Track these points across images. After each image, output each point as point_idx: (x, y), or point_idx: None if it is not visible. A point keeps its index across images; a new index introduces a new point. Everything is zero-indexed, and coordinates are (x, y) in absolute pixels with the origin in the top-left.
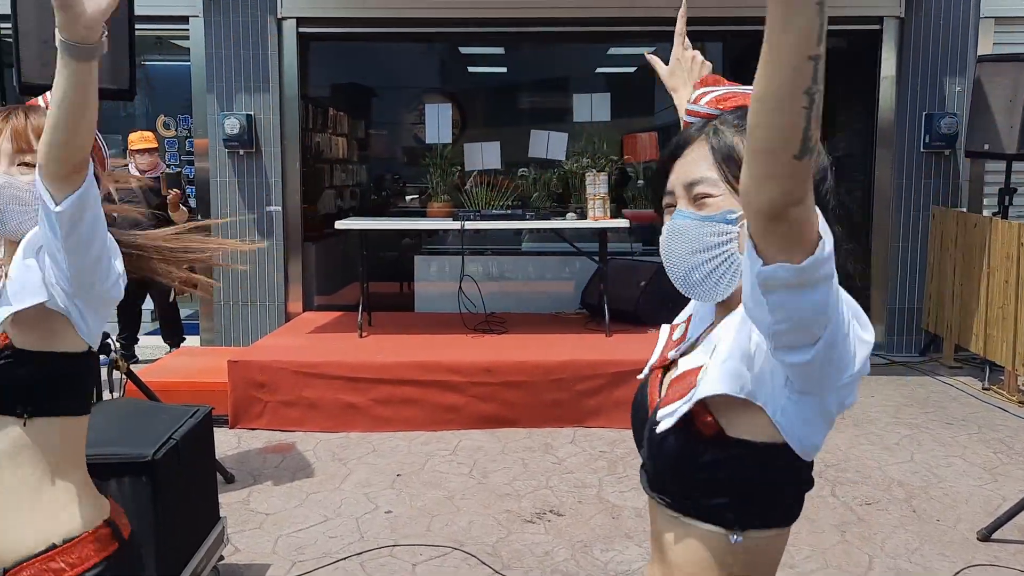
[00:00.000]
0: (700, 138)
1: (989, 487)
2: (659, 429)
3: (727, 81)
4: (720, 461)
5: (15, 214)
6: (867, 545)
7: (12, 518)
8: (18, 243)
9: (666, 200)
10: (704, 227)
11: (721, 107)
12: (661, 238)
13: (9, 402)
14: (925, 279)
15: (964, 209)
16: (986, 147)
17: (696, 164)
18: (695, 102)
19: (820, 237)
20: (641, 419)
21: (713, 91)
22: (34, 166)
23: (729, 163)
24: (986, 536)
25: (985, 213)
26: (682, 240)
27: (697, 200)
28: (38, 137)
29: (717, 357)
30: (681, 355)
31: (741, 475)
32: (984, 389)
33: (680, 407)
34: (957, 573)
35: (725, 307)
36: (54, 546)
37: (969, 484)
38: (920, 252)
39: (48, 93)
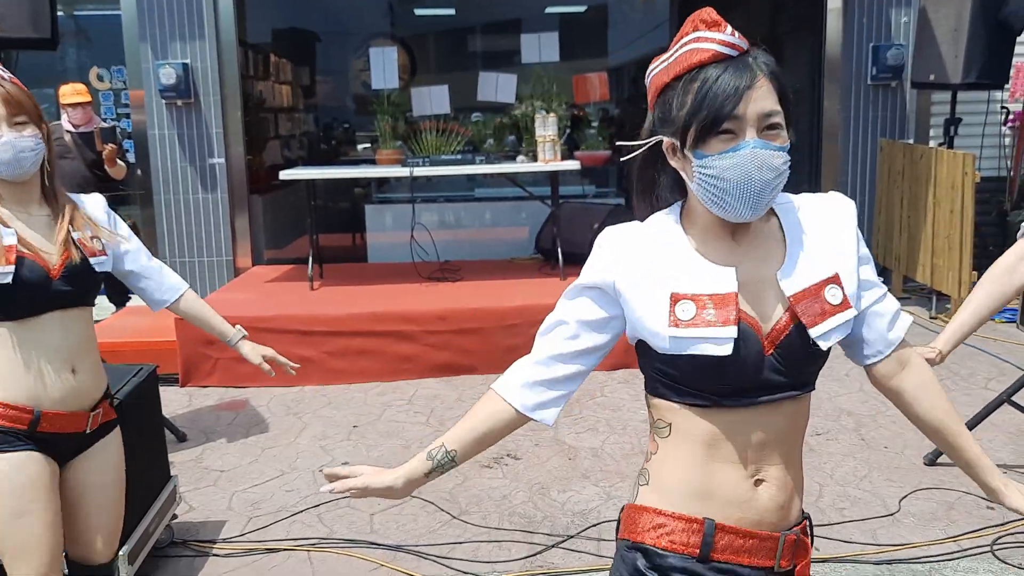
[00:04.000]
0: (761, 74)
1: None
2: (824, 347)
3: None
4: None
5: (25, 160)
6: (817, 474)
7: (94, 371)
8: (22, 187)
9: (728, 125)
10: (779, 156)
11: (746, 42)
12: (735, 163)
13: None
14: (874, 212)
15: (911, 140)
16: (931, 77)
17: (768, 98)
18: (731, 35)
19: None
20: (754, 342)
21: (732, 29)
22: (26, 122)
23: (786, 102)
24: (932, 460)
25: (931, 144)
26: (763, 168)
27: (770, 129)
28: (21, 101)
29: (848, 276)
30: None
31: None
32: (932, 318)
33: (840, 328)
34: (904, 497)
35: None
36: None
37: None
38: (868, 185)
39: None
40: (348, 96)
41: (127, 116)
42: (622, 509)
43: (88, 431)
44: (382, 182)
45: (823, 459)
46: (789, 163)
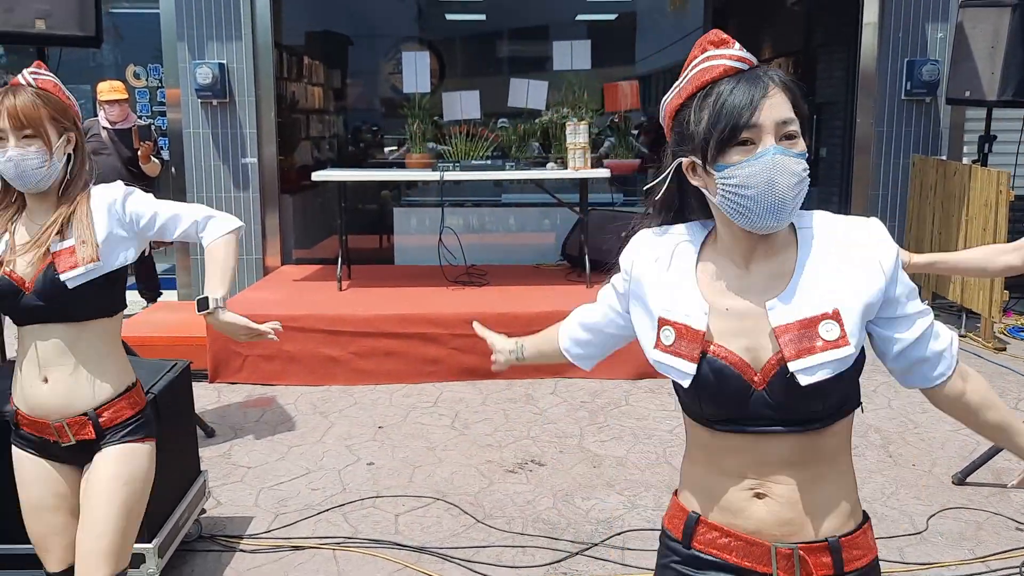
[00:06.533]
0: (774, 84)
1: (964, 432)
2: (804, 383)
3: (731, 37)
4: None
5: (32, 176)
6: None
7: (102, 375)
8: (39, 194)
9: (747, 134)
10: (799, 163)
11: (755, 58)
12: (757, 171)
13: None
14: (904, 227)
15: (944, 157)
16: (967, 94)
17: (783, 106)
18: (740, 50)
19: None
20: (725, 370)
21: (739, 45)
22: (33, 136)
23: (801, 113)
24: (961, 480)
25: (965, 160)
26: (786, 174)
27: (788, 138)
28: (27, 116)
29: (854, 311)
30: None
31: (848, 378)
32: (960, 336)
33: (832, 365)
34: (932, 516)
35: (760, 243)
36: (129, 388)
37: (944, 430)
38: (900, 200)
39: (26, 71)
40: (377, 99)
41: (162, 114)
42: None
43: (61, 442)
44: (410, 185)
45: None
46: (809, 171)
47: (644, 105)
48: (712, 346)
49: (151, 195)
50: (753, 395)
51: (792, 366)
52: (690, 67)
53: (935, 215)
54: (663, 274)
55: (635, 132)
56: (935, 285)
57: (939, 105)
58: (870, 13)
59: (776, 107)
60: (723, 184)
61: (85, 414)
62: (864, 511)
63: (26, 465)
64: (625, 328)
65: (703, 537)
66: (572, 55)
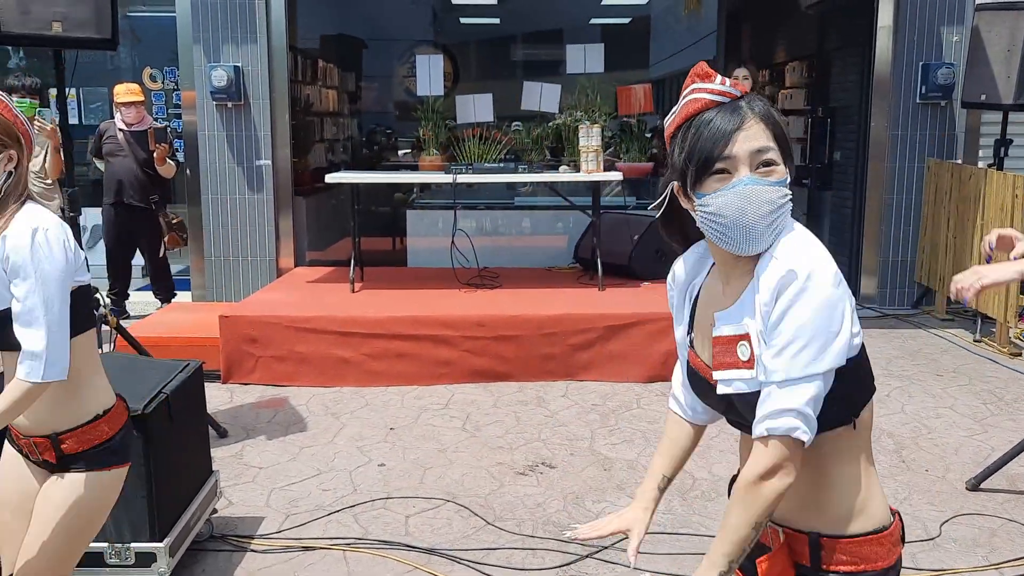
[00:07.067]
0: (752, 116)
1: (978, 438)
2: (719, 392)
3: (715, 71)
4: None
5: None
6: None
7: (62, 403)
8: None
9: (721, 165)
10: (774, 191)
11: (740, 90)
12: (729, 200)
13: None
14: (919, 231)
15: (959, 161)
16: (983, 97)
17: (760, 136)
18: (722, 83)
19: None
20: (695, 373)
21: (723, 78)
22: None
23: (782, 141)
24: (974, 486)
25: (980, 164)
26: (758, 202)
27: (765, 166)
28: None
29: (756, 340)
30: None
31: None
32: (975, 341)
33: (745, 383)
34: (945, 522)
35: (733, 264)
36: (98, 416)
37: (958, 435)
38: (914, 204)
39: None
40: (391, 102)
41: (178, 116)
42: None
43: (30, 457)
44: (423, 188)
45: None
46: (789, 196)
47: (657, 108)
48: (692, 352)
49: (41, 278)
50: (713, 394)
51: (715, 375)
52: (681, 97)
53: (950, 219)
54: (686, 289)
55: (648, 136)
56: (949, 289)
57: (954, 109)
58: (885, 16)
59: (751, 138)
60: (701, 211)
61: (48, 437)
62: (882, 526)
63: (5, 459)
64: None
65: None
66: (586, 58)
